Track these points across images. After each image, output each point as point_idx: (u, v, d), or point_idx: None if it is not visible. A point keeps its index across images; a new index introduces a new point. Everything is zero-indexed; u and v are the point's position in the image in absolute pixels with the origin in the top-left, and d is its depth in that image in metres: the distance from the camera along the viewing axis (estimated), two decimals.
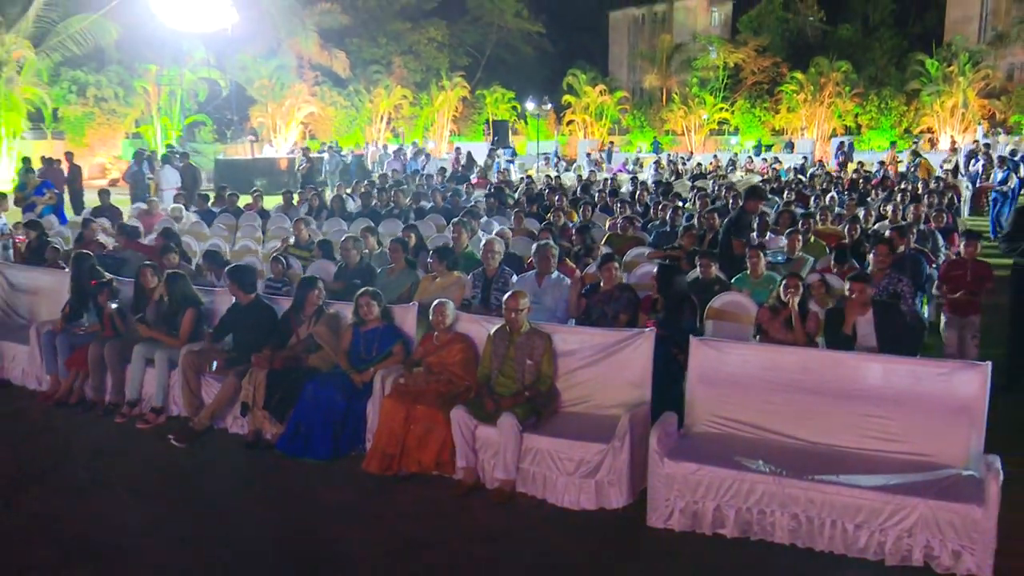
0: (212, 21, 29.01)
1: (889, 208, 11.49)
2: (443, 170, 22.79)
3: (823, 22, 48.30)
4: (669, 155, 32.22)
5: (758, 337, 6.22)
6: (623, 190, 17.08)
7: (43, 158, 18.09)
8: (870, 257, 7.08)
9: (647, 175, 23.37)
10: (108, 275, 7.60)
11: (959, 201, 15.73)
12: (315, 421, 5.96)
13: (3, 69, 27.97)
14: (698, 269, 7.48)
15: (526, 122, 46.95)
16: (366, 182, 17.80)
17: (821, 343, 6.04)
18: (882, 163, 22.34)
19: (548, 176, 22.14)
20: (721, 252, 8.10)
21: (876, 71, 42.67)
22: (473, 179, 21.55)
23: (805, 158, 29.29)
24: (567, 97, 47.23)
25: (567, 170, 28.33)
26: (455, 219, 9.85)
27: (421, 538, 4.88)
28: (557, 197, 13.14)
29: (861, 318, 5.88)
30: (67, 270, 8.11)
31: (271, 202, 14.90)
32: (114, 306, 7.18)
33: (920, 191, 14.94)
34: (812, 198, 14.23)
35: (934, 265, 8.75)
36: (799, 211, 10.89)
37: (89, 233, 9.51)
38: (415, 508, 5.24)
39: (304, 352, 6.39)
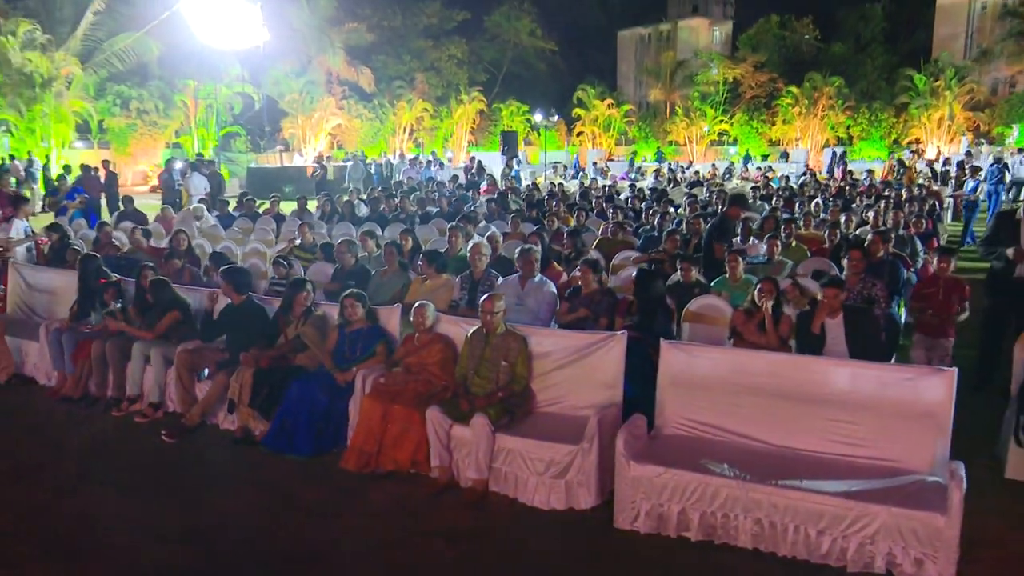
0: (246, 39, 29.03)
1: (871, 214, 11.06)
2: (455, 177, 22.50)
3: (817, 40, 47.95)
4: (670, 164, 31.82)
5: (732, 340, 5.90)
6: (622, 196, 16.70)
7: (82, 166, 17.98)
8: (844, 262, 6.70)
9: (647, 183, 22.97)
10: (115, 275, 7.38)
11: (941, 208, 15.21)
12: (299, 419, 5.67)
13: (53, 84, 28.11)
14: (679, 273, 7.15)
15: (539, 134, 46.76)
16: (380, 188, 17.52)
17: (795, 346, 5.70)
18: (870, 171, 21.80)
19: (552, 183, 21.79)
20: (703, 256, 7.75)
21: (867, 85, 42.28)
22: (483, 187, 21.23)
23: (807, 167, 28.62)
24: (577, 110, 46.99)
25: (574, 178, 27.98)
26: (451, 223, 9.54)
27: (390, 537, 4.58)
28: (555, 203, 12.81)
29: (831, 320, 5.53)
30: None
31: (290, 207, 14.66)
32: (117, 305, 6.94)
33: (904, 198, 14.46)
34: (797, 204, 13.79)
35: (912, 269, 8.38)
36: (785, 216, 10.51)
37: (104, 236, 9.31)
38: (388, 507, 4.93)
39: (291, 352, 6.10)
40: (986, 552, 4.24)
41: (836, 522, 4.08)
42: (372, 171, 26.71)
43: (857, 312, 5.69)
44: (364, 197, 16.36)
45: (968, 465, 4.14)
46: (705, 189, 18.39)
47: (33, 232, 9.65)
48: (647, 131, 47.69)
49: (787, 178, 22.58)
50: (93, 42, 29.23)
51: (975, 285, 7.14)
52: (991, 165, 17.59)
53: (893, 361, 6.75)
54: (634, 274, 6.54)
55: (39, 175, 22.25)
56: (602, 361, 5.27)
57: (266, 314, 6.42)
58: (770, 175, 23.71)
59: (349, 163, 26.88)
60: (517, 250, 6.97)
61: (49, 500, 5.06)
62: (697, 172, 27.46)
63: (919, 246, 9.37)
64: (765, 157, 37.75)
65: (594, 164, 34.27)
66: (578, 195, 16.37)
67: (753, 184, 19.88)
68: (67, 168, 15.96)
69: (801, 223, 9.96)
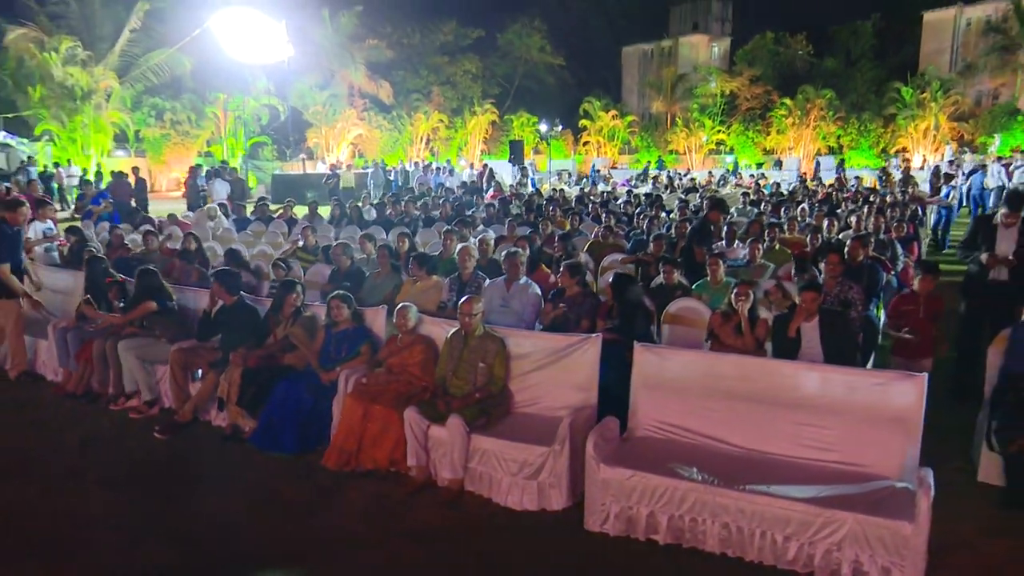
0: (272, 55, 29.01)
1: (854, 219, 10.67)
2: (464, 184, 22.24)
3: (810, 55, 47.55)
4: (669, 172, 31.42)
5: (709, 342, 5.58)
6: (618, 202, 16.35)
7: (113, 172, 17.86)
8: (822, 265, 6.35)
9: (645, 189, 22.59)
10: (120, 276, 7.17)
11: (923, 213, 14.76)
12: (285, 417, 5.41)
13: (93, 97, 28.17)
14: (661, 275, 6.84)
15: (547, 143, 46.56)
16: (390, 194, 17.28)
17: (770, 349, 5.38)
18: (858, 178, 21.33)
19: (554, 189, 21.46)
20: (685, 259, 7.43)
21: (857, 98, 41.86)
22: (489, 192, 20.94)
23: (803, 175, 28.06)
24: (583, 121, 46.75)
25: (576, 184, 27.66)
26: (447, 227, 9.26)
27: (363, 537, 4.30)
28: (551, 208, 12.49)
29: (807, 324, 5.21)
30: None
31: (303, 212, 14.41)
32: (120, 304, 6.72)
33: (887, 203, 14.06)
34: (783, 209, 13.39)
35: (892, 273, 8.01)
36: (772, 220, 10.15)
37: (116, 238, 9.10)
38: (364, 505, 4.66)
39: (280, 351, 5.84)
40: (956, 557, 3.93)
41: (803, 528, 3.77)
42: (391, 178, 26.51)
43: (833, 315, 5.36)
44: (375, 202, 16.14)
45: (942, 469, 3.86)
46: (698, 195, 17.99)
47: (55, 233, 9.46)
48: (649, 140, 47.39)
49: (778, 184, 22.14)
50: (130, 58, 29.25)
51: (951, 288, 6.79)
52: (974, 172, 17.12)
53: (871, 363, 6.44)
54: (611, 279, 6.23)
55: (76, 182, 22.27)
56: (577, 363, 4.97)
57: (257, 315, 6.17)
58: (762, 182, 23.28)
59: (370, 170, 26.73)
60: (503, 253, 6.68)
61: (36, 496, 4.82)
62: (694, 179, 27.07)
63: (899, 250, 9.00)
64: (760, 165, 37.31)
65: (597, 170, 33.89)
66: (575, 200, 16.03)
67: (744, 190, 19.48)
68: (99, 175, 15.77)
69: (786, 227, 9.61)
